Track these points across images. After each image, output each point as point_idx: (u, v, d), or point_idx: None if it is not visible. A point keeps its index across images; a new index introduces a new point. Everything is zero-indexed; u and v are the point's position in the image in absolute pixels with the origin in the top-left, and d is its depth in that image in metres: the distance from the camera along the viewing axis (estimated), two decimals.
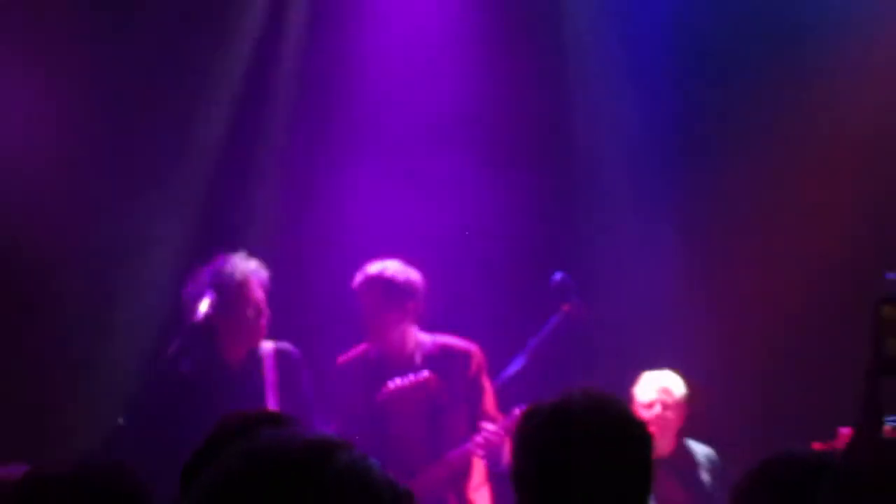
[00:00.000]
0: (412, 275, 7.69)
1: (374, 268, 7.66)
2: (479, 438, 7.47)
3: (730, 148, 9.69)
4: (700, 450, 8.13)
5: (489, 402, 7.67)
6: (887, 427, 4.91)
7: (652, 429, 4.01)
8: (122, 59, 9.34)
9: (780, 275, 9.36)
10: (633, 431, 3.73)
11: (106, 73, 9.34)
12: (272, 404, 7.42)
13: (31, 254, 9.07)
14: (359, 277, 7.69)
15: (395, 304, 7.62)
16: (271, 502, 1.97)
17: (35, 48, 9.25)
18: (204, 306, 7.45)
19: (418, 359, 7.67)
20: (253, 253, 7.90)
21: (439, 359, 7.67)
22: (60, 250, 9.20)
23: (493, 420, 7.50)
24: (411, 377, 7.52)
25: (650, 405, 7.82)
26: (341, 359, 7.89)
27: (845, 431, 6.00)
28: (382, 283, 7.65)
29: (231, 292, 7.53)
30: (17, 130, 9.03)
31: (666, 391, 8.02)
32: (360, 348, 7.86)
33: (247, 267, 7.65)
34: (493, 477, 7.65)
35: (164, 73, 9.65)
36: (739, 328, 9.29)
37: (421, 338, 7.74)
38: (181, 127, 9.64)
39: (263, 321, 7.64)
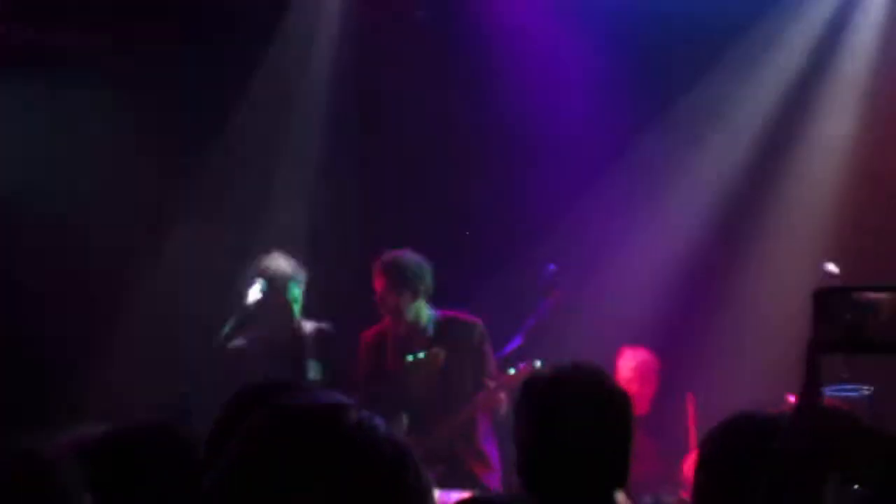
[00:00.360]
0: (422, 261, 7.76)
1: (390, 255, 7.75)
2: (482, 395, 7.59)
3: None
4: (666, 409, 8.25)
5: (491, 364, 7.74)
6: (825, 397, 4.98)
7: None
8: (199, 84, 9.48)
9: (744, 271, 9.41)
10: (615, 397, 3.79)
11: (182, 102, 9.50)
12: (311, 374, 7.59)
13: (122, 262, 9.34)
14: (378, 264, 7.75)
15: (409, 285, 7.67)
16: (293, 456, 2.03)
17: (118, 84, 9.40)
18: (254, 293, 7.57)
19: (431, 331, 7.75)
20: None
21: (449, 330, 7.76)
22: (145, 256, 9.43)
23: (494, 379, 7.59)
24: (424, 353, 7.66)
25: (630, 380, 7.94)
26: (366, 333, 7.97)
27: (791, 398, 6.05)
28: (398, 268, 7.70)
29: (276, 282, 7.63)
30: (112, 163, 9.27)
31: (642, 367, 8.28)
32: (382, 324, 7.92)
33: (289, 263, 7.79)
34: (496, 425, 7.73)
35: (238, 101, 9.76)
36: (704, 315, 9.30)
37: (433, 313, 7.79)
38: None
39: (303, 304, 7.79)
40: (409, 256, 7.78)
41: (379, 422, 2.09)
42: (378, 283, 7.78)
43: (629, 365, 8.30)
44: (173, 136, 9.58)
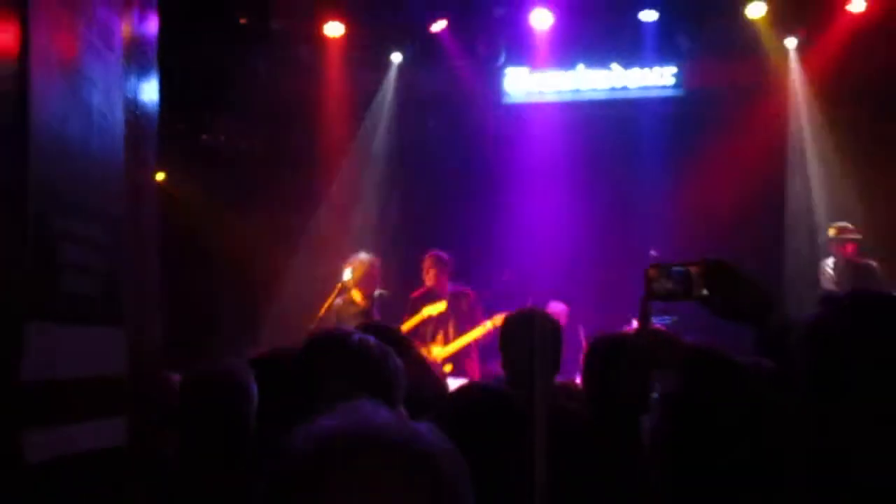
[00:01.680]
0: (449, 256, 7.90)
1: (435, 252, 7.92)
2: (484, 330, 7.60)
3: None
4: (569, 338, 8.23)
5: (479, 312, 7.77)
6: (655, 324, 5.04)
7: None
8: None
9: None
10: (553, 326, 3.92)
11: None
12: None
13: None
14: (428, 255, 7.89)
15: (442, 270, 7.81)
16: (312, 363, 2.24)
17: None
18: (347, 274, 7.64)
19: (447, 295, 7.78)
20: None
21: (457, 295, 7.80)
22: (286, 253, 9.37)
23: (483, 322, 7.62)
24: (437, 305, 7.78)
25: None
26: (413, 293, 7.99)
27: (634, 323, 6.08)
28: (437, 260, 7.85)
29: (360, 267, 7.69)
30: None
31: (563, 313, 8.16)
32: (423, 289, 7.94)
33: (368, 256, 7.83)
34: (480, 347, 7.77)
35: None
36: (590, 283, 9.20)
37: (450, 285, 7.86)
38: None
39: (375, 281, 7.79)
40: (441, 254, 7.88)
41: (372, 340, 2.28)
42: (427, 265, 7.88)
43: (553, 311, 8.35)
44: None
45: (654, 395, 3.20)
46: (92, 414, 1.63)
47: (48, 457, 1.53)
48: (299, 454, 1.04)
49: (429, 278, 7.96)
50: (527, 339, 3.74)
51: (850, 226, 8.07)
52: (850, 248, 7.88)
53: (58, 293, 1.52)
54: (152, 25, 1.77)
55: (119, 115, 1.64)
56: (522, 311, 4.03)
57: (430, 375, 4.01)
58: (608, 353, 3.44)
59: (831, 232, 8.12)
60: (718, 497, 2.26)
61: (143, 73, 1.75)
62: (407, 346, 3.29)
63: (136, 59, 1.71)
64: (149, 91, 1.80)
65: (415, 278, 8.15)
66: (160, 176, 9.02)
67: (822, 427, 1.81)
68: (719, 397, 2.52)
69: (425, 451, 1.07)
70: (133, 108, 1.70)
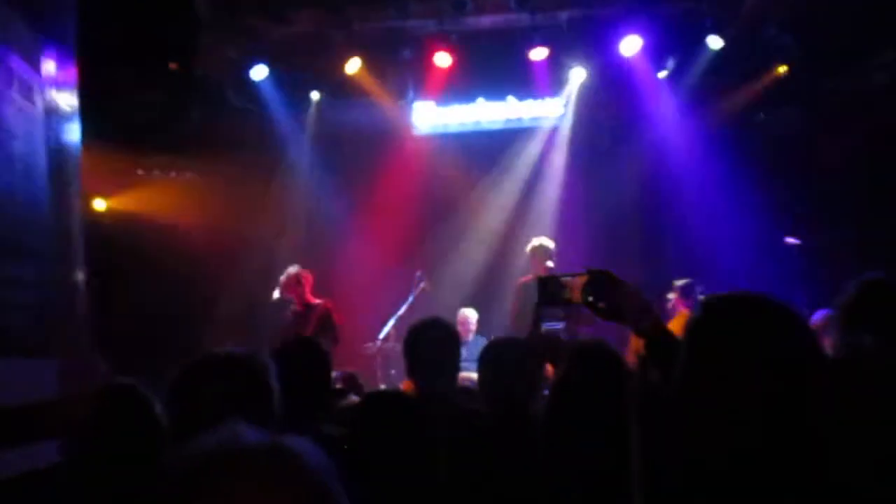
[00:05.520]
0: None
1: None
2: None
3: None
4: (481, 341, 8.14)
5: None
6: (544, 328, 4.99)
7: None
8: None
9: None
10: (452, 331, 3.74)
11: None
12: (315, 330, 7.26)
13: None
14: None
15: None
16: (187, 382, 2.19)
17: None
18: (276, 293, 7.47)
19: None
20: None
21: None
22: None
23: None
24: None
25: (462, 326, 7.86)
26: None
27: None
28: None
29: (288, 277, 7.52)
30: None
31: (466, 319, 8.09)
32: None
33: (297, 269, 7.58)
34: None
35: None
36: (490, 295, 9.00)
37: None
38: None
39: (308, 290, 7.54)
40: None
41: (247, 356, 2.23)
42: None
43: (464, 316, 8.21)
44: None
45: (545, 391, 3.22)
46: (23, 438, 1.56)
47: None
48: (172, 474, 1.03)
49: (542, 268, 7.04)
50: (426, 346, 3.58)
51: None
52: None
53: None
54: (72, 76, 1.71)
55: (42, 161, 1.57)
56: (421, 321, 3.75)
57: (352, 382, 3.97)
58: (510, 349, 3.39)
59: None
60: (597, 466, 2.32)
61: (65, 119, 1.68)
62: (323, 359, 3.21)
63: (57, 108, 1.64)
64: (71, 135, 1.73)
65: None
66: (102, 205, 8.77)
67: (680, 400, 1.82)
68: (595, 377, 2.59)
69: (291, 465, 1.05)
70: (56, 153, 1.63)
